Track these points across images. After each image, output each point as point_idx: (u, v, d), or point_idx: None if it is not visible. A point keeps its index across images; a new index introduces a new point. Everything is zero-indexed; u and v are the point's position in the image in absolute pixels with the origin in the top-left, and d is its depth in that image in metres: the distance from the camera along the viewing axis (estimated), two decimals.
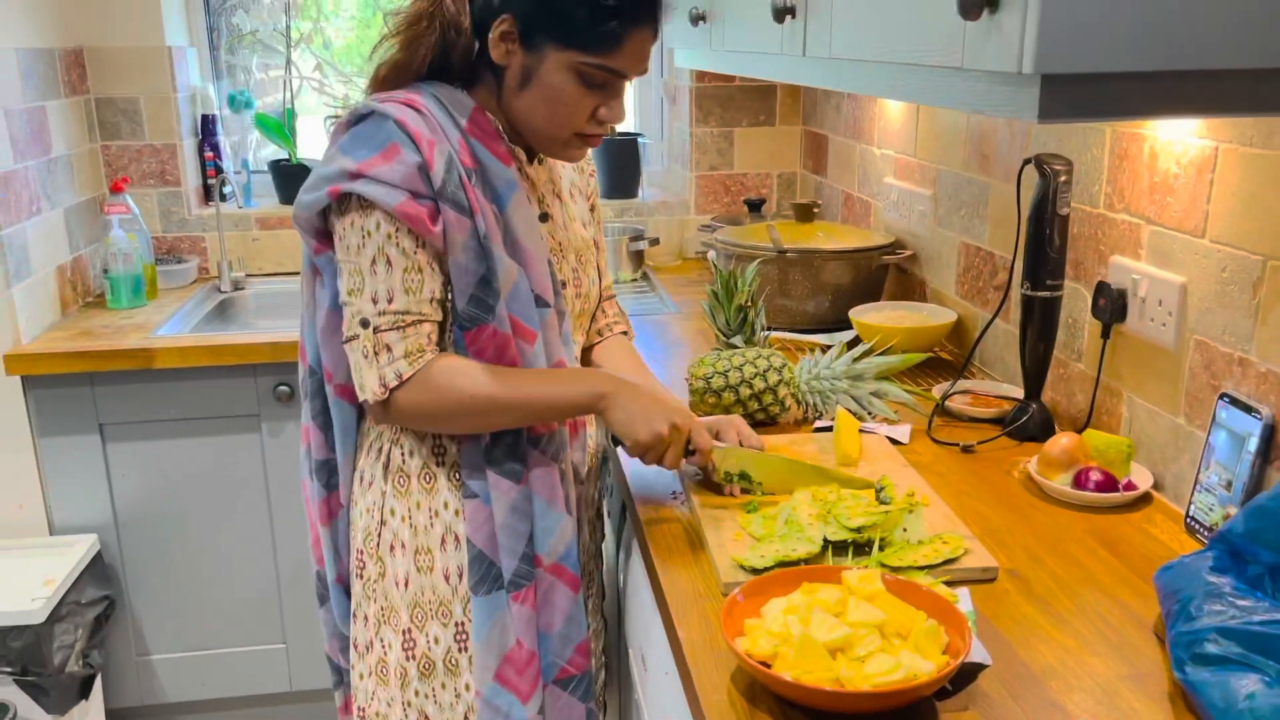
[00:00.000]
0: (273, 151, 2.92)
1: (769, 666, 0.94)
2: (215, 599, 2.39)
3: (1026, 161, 1.50)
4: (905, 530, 1.21)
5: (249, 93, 2.90)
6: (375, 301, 1.17)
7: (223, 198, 2.72)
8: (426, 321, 1.20)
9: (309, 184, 1.20)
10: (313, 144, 2.93)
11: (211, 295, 2.65)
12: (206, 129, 2.78)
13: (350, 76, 3.02)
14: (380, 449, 1.31)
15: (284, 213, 2.79)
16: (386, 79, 1.24)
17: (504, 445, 1.25)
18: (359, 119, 1.19)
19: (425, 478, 1.29)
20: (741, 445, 1.38)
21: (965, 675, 0.98)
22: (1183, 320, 1.33)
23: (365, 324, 1.18)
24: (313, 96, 3.02)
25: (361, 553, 1.33)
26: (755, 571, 1.14)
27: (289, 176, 2.82)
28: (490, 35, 1.20)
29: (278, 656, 2.44)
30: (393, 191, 1.15)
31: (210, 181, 2.78)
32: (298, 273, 2.75)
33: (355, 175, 1.15)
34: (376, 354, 1.18)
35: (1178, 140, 1.32)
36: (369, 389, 1.19)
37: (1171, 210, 1.34)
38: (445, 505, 1.29)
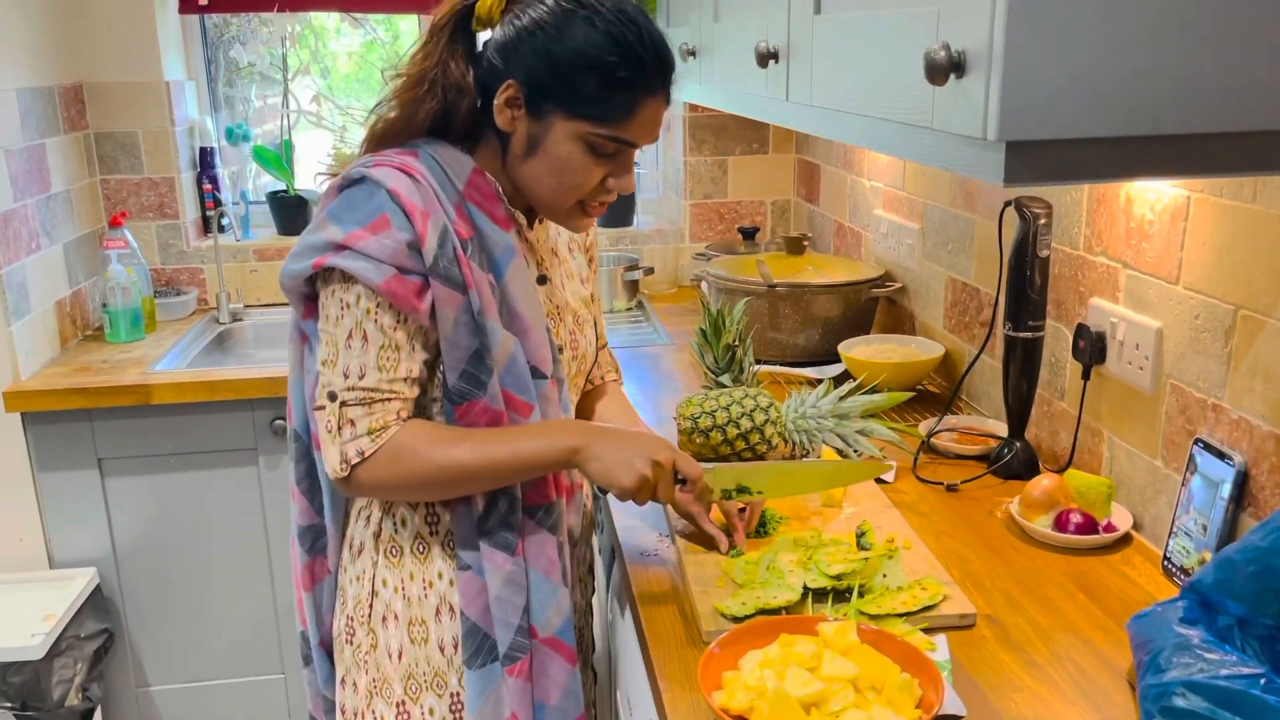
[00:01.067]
0: (270, 182, 2.95)
1: None
2: (214, 631, 2.41)
3: (1007, 204, 1.52)
4: (885, 576, 1.23)
5: (246, 125, 2.93)
6: (346, 376, 1.15)
7: (221, 229, 2.75)
8: (396, 399, 1.16)
9: (296, 251, 1.17)
10: (310, 175, 2.95)
11: (210, 327, 2.67)
12: (205, 161, 2.82)
13: (347, 108, 3.05)
14: (370, 517, 1.28)
15: (282, 244, 2.82)
16: (384, 137, 1.21)
17: (497, 515, 1.21)
18: (351, 183, 1.17)
19: (419, 548, 1.26)
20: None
21: None
22: (1159, 364, 1.35)
23: (333, 397, 1.15)
24: (310, 127, 3.05)
25: (351, 619, 1.29)
26: (736, 619, 1.16)
27: (287, 208, 2.85)
28: (495, 100, 1.16)
29: (276, 687, 2.46)
30: (378, 267, 1.12)
31: (209, 213, 2.81)
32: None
33: (341, 247, 1.13)
34: (340, 428, 1.15)
35: (1151, 188, 1.34)
36: (330, 464, 1.16)
37: (1147, 255, 1.36)
38: (440, 575, 1.25)
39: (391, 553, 1.26)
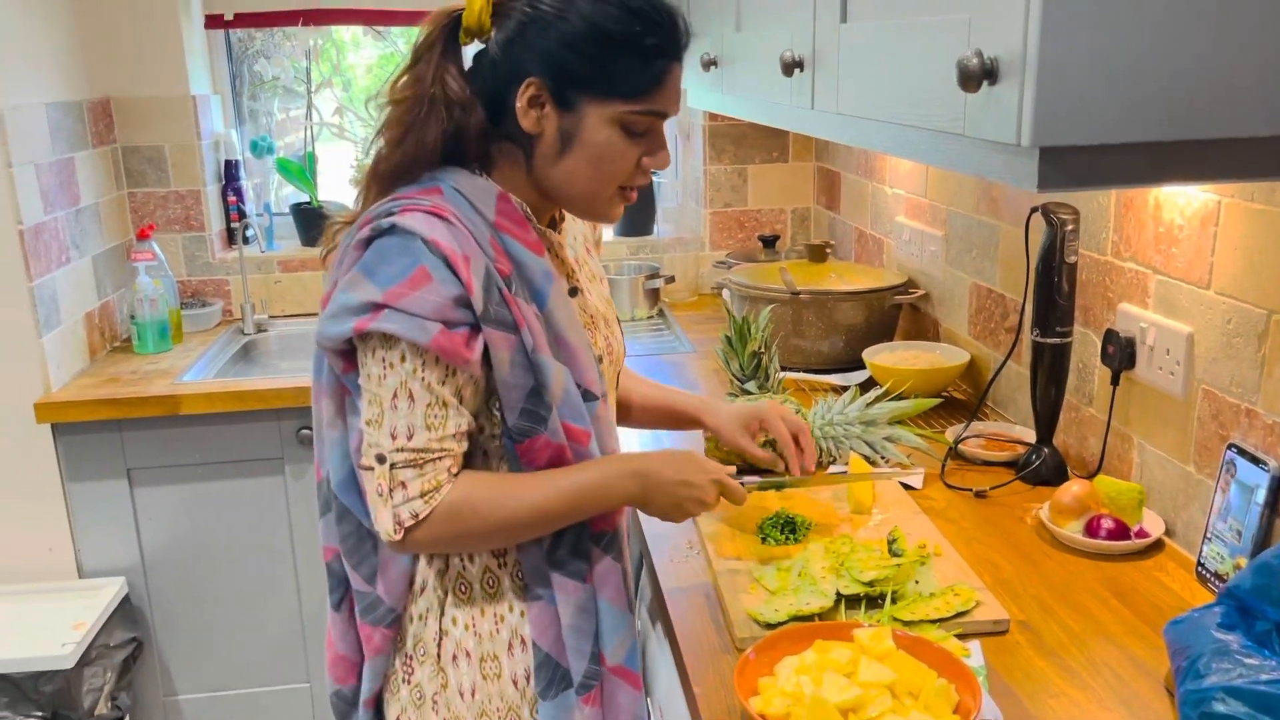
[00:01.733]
0: (294, 194, 2.98)
1: None
2: (240, 639, 2.42)
3: (1034, 210, 1.52)
4: (917, 582, 1.23)
5: (270, 137, 2.96)
6: (394, 437, 1.09)
7: (245, 241, 2.77)
8: (447, 457, 1.11)
9: (332, 312, 1.11)
10: (333, 187, 2.98)
11: (235, 338, 2.69)
12: (230, 174, 2.84)
13: (369, 119, 3.07)
14: (434, 555, 1.21)
15: (305, 255, 2.84)
16: (396, 173, 1.15)
17: (567, 545, 1.19)
18: (381, 233, 1.09)
19: (488, 582, 1.21)
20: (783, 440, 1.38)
21: None
22: (1190, 370, 1.34)
23: (381, 459, 1.10)
24: (333, 139, 3.08)
25: (410, 659, 1.23)
26: (769, 626, 1.16)
27: (310, 219, 2.87)
28: (516, 104, 1.12)
29: (302, 696, 2.47)
30: (423, 325, 1.06)
31: (233, 225, 2.83)
32: (318, 314, 2.81)
33: (380, 307, 1.06)
34: (391, 491, 1.10)
35: (1181, 192, 1.34)
36: (382, 527, 1.12)
37: (1177, 261, 1.36)
38: (510, 608, 1.22)
39: (460, 590, 1.22)
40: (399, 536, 1.11)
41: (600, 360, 1.26)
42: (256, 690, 2.45)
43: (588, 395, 1.19)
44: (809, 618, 1.17)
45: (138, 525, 2.31)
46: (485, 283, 1.10)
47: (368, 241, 1.11)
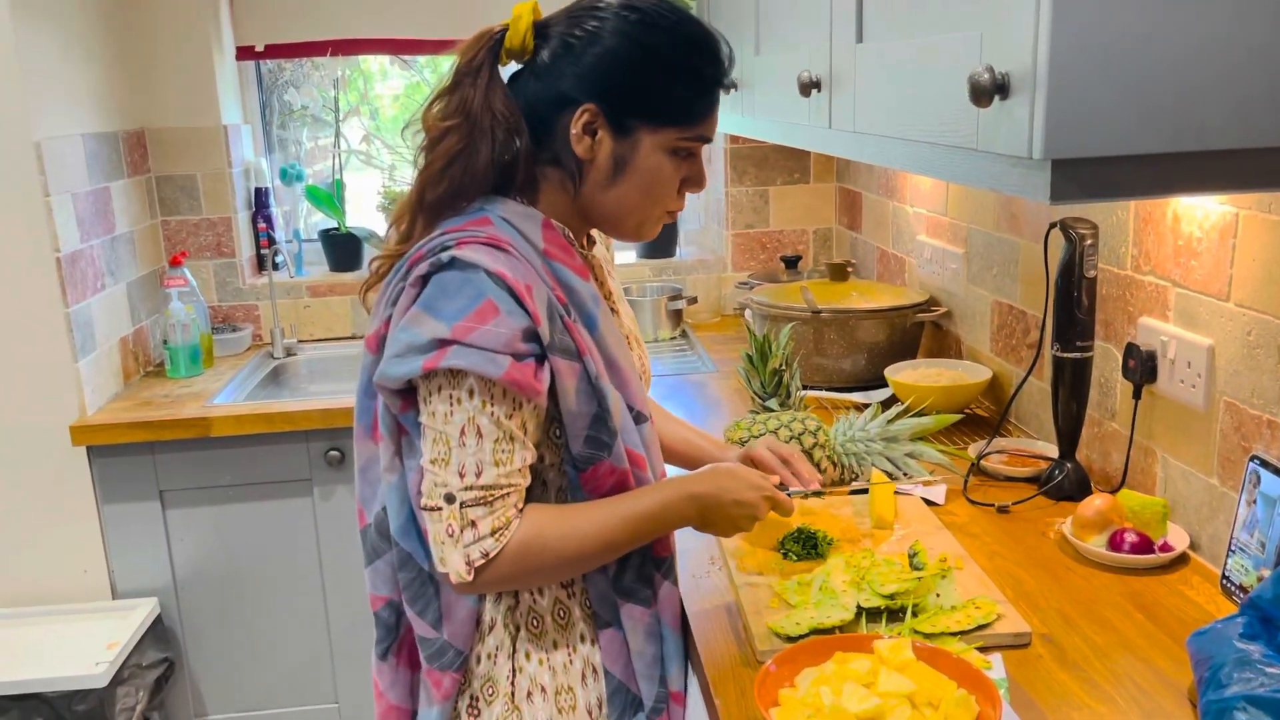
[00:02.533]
0: (323, 220, 3.03)
1: None
2: (270, 659, 2.45)
3: (1053, 225, 1.53)
4: (938, 595, 1.23)
5: (300, 165, 3.02)
6: (462, 475, 1.07)
7: (275, 267, 2.82)
8: (514, 493, 1.09)
9: (396, 351, 1.07)
10: (361, 213, 3.03)
11: (265, 362, 2.74)
12: (260, 201, 2.90)
13: (395, 147, 3.13)
14: (503, 592, 1.19)
15: (334, 280, 2.89)
16: (445, 201, 1.14)
17: (632, 571, 1.18)
18: (440, 268, 1.07)
19: (559, 614, 1.20)
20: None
21: None
22: (1211, 382, 1.34)
23: (450, 499, 1.07)
24: (360, 166, 3.13)
25: (477, 699, 1.21)
26: (790, 639, 1.17)
27: (338, 245, 2.92)
28: (571, 129, 1.11)
29: (330, 716, 2.49)
30: (494, 359, 1.04)
31: (263, 252, 2.88)
32: (346, 338, 2.87)
33: (448, 343, 1.04)
34: (462, 531, 1.07)
35: (1199, 205, 1.34)
36: (453, 568, 1.08)
37: (1196, 273, 1.36)
38: (582, 638, 1.21)
39: (532, 624, 1.20)
40: (470, 578, 1.08)
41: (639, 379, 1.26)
42: (286, 711, 2.47)
43: (639, 418, 1.18)
44: (830, 630, 1.18)
45: (170, 546, 2.34)
46: (549, 312, 1.09)
47: (426, 277, 1.08)
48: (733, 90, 2.06)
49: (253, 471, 2.33)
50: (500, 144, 1.12)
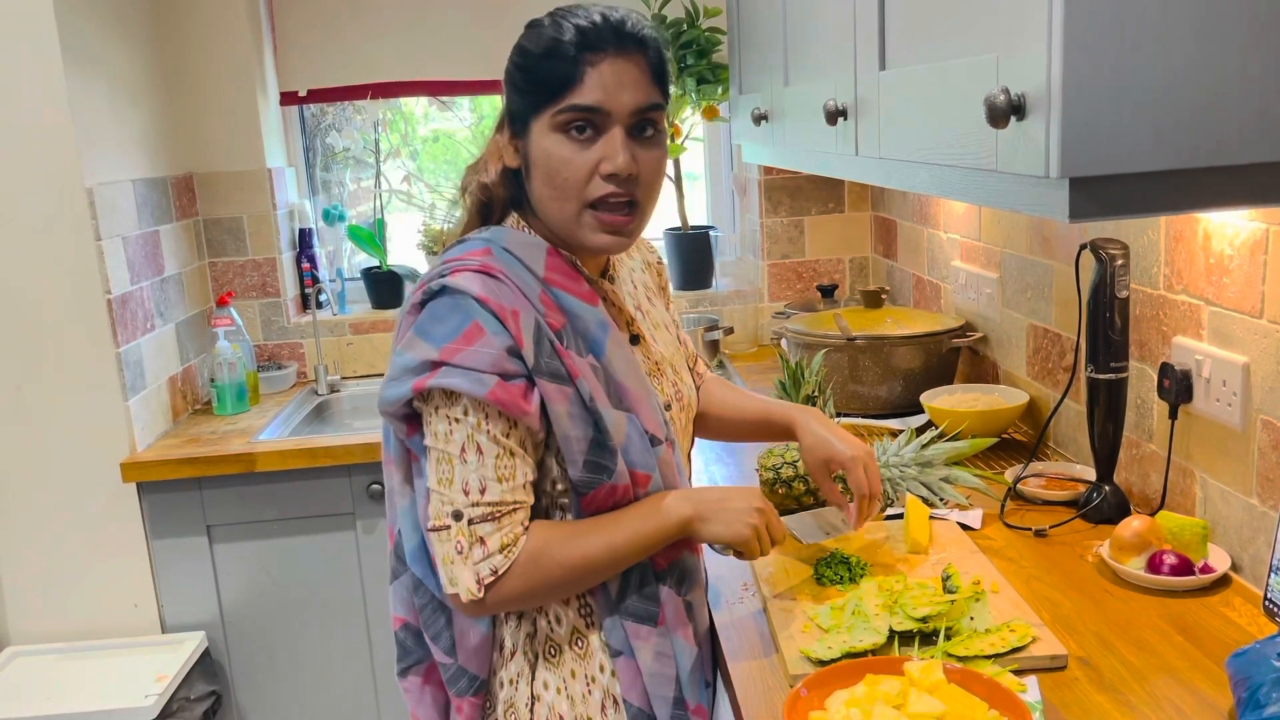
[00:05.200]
0: (365, 259, 3.09)
1: None
2: (314, 692, 2.47)
3: (1083, 247, 1.52)
4: (972, 619, 1.22)
5: (342, 206, 3.09)
6: (467, 492, 1.10)
7: (319, 305, 2.88)
8: (520, 509, 1.12)
9: (392, 375, 1.13)
10: (402, 252, 3.09)
11: (309, 398, 2.79)
12: (303, 242, 2.97)
13: (435, 186, 3.19)
14: (521, 616, 1.21)
15: (376, 317, 2.94)
16: (454, 236, 1.24)
17: (633, 591, 1.19)
18: (432, 296, 1.13)
19: (577, 643, 1.21)
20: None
21: None
22: (1248, 400, 1.33)
23: (458, 516, 1.10)
24: (401, 206, 3.20)
25: None
26: (822, 663, 1.16)
27: (380, 283, 2.98)
28: (503, 145, 1.21)
29: None
30: (480, 379, 1.08)
31: (307, 291, 2.95)
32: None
33: (438, 364, 1.09)
34: (470, 548, 1.10)
35: (1229, 223, 1.34)
36: (462, 586, 1.10)
37: (1229, 291, 1.35)
38: (601, 668, 1.21)
39: (549, 653, 1.21)
40: (480, 595, 1.10)
41: (669, 407, 1.27)
42: None
43: (654, 440, 1.20)
44: (862, 654, 1.17)
45: (217, 580, 2.39)
46: (535, 335, 1.12)
47: (421, 304, 1.14)
48: (763, 122, 2.09)
49: (297, 506, 2.37)
50: (486, 172, 1.22)
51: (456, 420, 1.11)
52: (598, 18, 1.14)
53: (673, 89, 2.79)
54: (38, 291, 2.22)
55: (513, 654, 1.22)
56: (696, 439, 1.47)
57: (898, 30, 1.31)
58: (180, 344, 2.62)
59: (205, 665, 2.36)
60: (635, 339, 1.27)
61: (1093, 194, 0.94)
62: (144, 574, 2.36)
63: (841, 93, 1.52)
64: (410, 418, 1.16)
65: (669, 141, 2.84)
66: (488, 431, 1.10)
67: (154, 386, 2.44)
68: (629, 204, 1.16)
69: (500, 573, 1.11)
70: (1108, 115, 0.90)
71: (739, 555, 1.23)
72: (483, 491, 1.10)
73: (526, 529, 1.13)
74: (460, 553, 1.11)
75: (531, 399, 1.11)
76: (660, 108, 1.17)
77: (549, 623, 1.21)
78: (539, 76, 1.13)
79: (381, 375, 2.86)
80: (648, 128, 1.16)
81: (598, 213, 1.15)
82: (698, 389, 1.50)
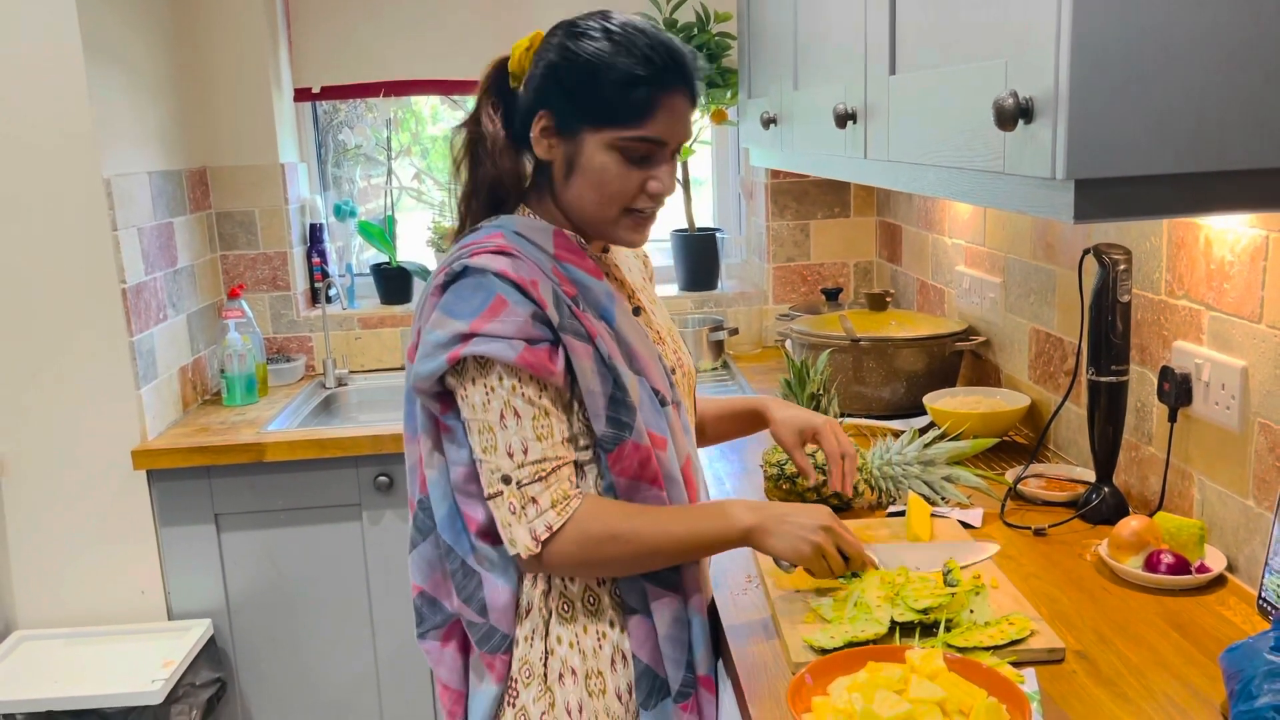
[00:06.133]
0: (374, 255, 3.12)
1: None
2: (318, 681, 2.50)
3: (1086, 251, 1.55)
4: (972, 612, 1.25)
5: (353, 202, 3.12)
6: (511, 455, 1.18)
7: (328, 300, 2.91)
8: (565, 464, 1.20)
9: (424, 353, 1.20)
10: (411, 248, 3.12)
11: (317, 391, 2.82)
12: (314, 236, 3.00)
13: (445, 184, 3.22)
14: (537, 577, 1.27)
15: (384, 313, 2.97)
16: (461, 227, 1.31)
17: None
18: (455, 277, 1.21)
19: (589, 600, 1.28)
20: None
21: None
22: (1245, 403, 1.35)
23: (507, 480, 1.18)
24: (411, 202, 3.23)
25: (515, 681, 1.29)
26: (824, 651, 1.19)
27: (389, 279, 3.01)
28: (531, 134, 1.24)
29: None
30: (509, 344, 1.16)
31: (317, 285, 2.98)
32: (396, 369, 2.95)
33: (468, 336, 1.17)
34: (524, 508, 1.18)
35: (1230, 229, 1.36)
36: (520, 544, 1.19)
37: (1229, 296, 1.38)
38: (611, 624, 1.28)
39: (563, 610, 1.28)
40: (537, 549, 1.18)
41: (674, 372, 1.35)
42: None
43: (662, 401, 1.28)
44: (864, 644, 1.19)
45: (224, 569, 2.41)
46: (555, 301, 1.20)
47: (444, 287, 1.22)
48: (772, 125, 2.12)
49: (304, 496, 2.39)
50: (495, 160, 1.26)
51: (492, 389, 1.18)
52: (664, 51, 1.21)
53: None
54: (54, 279, 2.25)
55: (528, 612, 1.28)
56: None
57: (908, 35, 1.33)
58: (191, 335, 2.64)
59: (211, 652, 2.38)
60: (637, 310, 1.36)
61: (1097, 196, 0.96)
62: (152, 561, 2.38)
63: (851, 96, 1.55)
64: (443, 396, 1.23)
65: None
66: (522, 394, 1.18)
67: (165, 376, 2.47)
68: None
69: (555, 529, 1.18)
70: (1113, 119, 0.93)
71: (810, 572, 1.29)
72: (525, 452, 1.18)
73: (575, 486, 1.21)
74: (514, 513, 1.19)
75: (557, 361, 1.19)
76: None
77: (563, 581, 1.28)
78: (610, 98, 1.19)
79: (390, 370, 2.92)
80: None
81: (634, 218, 1.26)
82: None
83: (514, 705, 1.28)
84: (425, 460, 1.27)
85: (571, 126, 1.22)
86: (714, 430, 1.59)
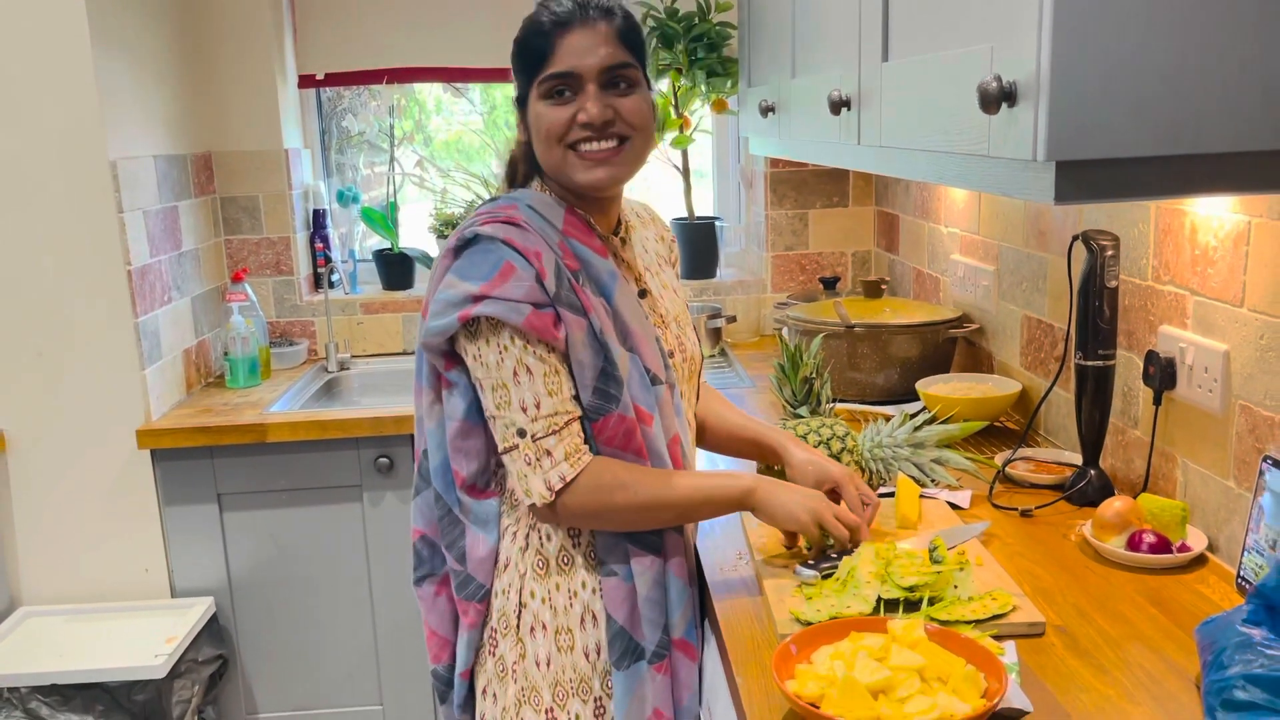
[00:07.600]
0: (377, 241, 3.15)
1: (818, 708, 1.02)
2: (319, 660, 2.53)
3: (1075, 238, 1.57)
4: (956, 588, 1.28)
5: (356, 188, 3.15)
6: (525, 409, 1.25)
7: (331, 285, 2.94)
8: (575, 419, 1.28)
9: (436, 311, 1.28)
10: (413, 235, 3.15)
11: (319, 375, 2.85)
12: (317, 222, 3.03)
13: (448, 170, 3.25)
14: (516, 534, 1.36)
15: (386, 298, 3.00)
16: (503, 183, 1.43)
17: None
18: (466, 243, 1.29)
19: (563, 560, 1.35)
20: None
21: (1004, 719, 1.04)
22: (1227, 386, 1.38)
23: (522, 433, 1.26)
24: (413, 189, 3.26)
25: (495, 631, 1.37)
26: (809, 624, 1.22)
27: (391, 265, 3.04)
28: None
29: (374, 718, 2.56)
30: (517, 308, 1.24)
31: (320, 270, 3.01)
32: (397, 354, 2.98)
33: (480, 298, 1.24)
34: (539, 460, 1.26)
35: (1215, 215, 1.39)
36: (536, 494, 1.26)
37: (1212, 281, 1.40)
38: (583, 585, 1.35)
39: (538, 566, 1.35)
40: (551, 499, 1.26)
41: (671, 355, 1.40)
42: (332, 711, 2.55)
43: (654, 379, 1.33)
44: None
45: (226, 548, 2.44)
46: (555, 272, 1.28)
47: (456, 251, 1.30)
48: (770, 114, 2.14)
49: (306, 477, 2.43)
50: (511, 142, 1.41)
51: (505, 348, 1.25)
52: (569, 1, 1.30)
53: (683, 81, 2.85)
54: (61, 260, 2.28)
55: (506, 566, 1.36)
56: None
57: (900, 22, 1.36)
58: (195, 317, 2.68)
59: (213, 630, 2.42)
60: (643, 293, 1.41)
61: (1078, 178, 0.99)
62: (155, 539, 2.42)
63: (846, 83, 1.57)
64: (448, 354, 1.31)
65: (679, 133, 2.90)
66: (534, 352, 1.25)
67: (170, 357, 2.50)
68: (618, 139, 1.30)
69: (569, 480, 1.26)
70: (1093, 102, 0.95)
71: (805, 549, 1.37)
72: (538, 406, 1.25)
73: (586, 440, 1.28)
74: (530, 465, 1.26)
75: (560, 329, 1.26)
76: (630, 65, 1.31)
77: (540, 539, 1.35)
78: (525, 56, 1.31)
79: (392, 354, 2.95)
80: (620, 82, 1.30)
81: (578, 152, 1.30)
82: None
83: (494, 654, 1.37)
84: (425, 412, 1.36)
85: (523, 97, 1.33)
86: (721, 443, 1.60)
